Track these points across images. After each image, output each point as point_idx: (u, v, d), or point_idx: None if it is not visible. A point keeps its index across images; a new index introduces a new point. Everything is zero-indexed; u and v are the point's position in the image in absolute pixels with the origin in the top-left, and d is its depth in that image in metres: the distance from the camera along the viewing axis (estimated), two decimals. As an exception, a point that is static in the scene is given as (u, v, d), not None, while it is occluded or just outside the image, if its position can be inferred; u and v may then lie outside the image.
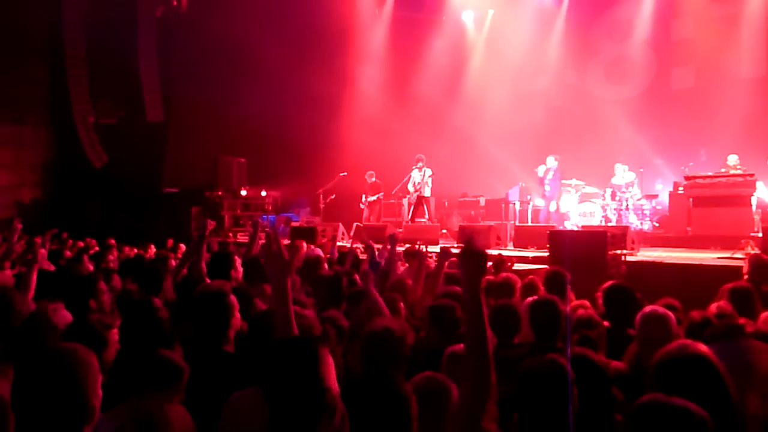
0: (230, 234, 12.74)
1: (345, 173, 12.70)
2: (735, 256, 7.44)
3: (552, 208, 11.68)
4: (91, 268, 5.55)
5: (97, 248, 7.64)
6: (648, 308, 3.32)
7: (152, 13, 14.76)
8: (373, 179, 12.80)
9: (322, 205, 12.74)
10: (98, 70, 14.17)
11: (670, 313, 3.31)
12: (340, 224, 11.30)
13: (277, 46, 13.73)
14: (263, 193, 14.26)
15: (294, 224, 12.24)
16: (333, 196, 12.78)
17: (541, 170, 11.60)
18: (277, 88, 14.66)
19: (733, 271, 5.73)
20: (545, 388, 1.93)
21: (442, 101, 15.13)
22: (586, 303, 4.44)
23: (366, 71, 15.51)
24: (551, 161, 11.59)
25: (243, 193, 14.17)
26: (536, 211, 12.58)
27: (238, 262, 4.42)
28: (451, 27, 15.87)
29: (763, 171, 10.00)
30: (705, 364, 1.97)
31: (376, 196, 12.72)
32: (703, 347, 2.10)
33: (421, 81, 15.36)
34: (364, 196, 12.75)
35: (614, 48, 14.36)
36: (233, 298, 2.91)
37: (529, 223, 11.74)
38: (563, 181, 12.11)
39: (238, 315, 2.92)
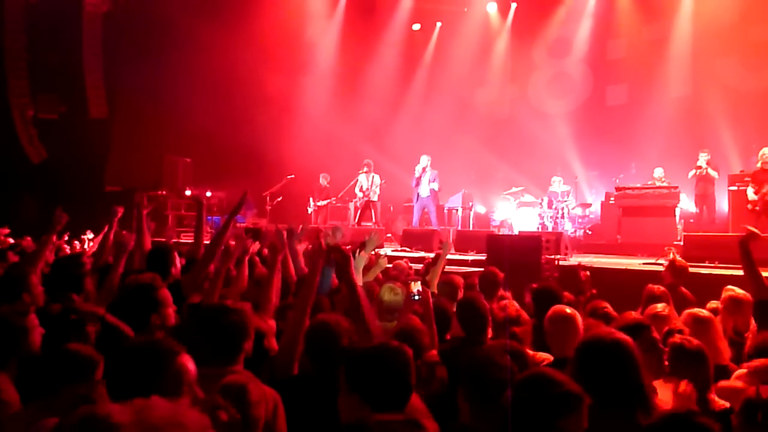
0: (174, 234, 12.58)
1: (292, 176, 12.79)
2: (659, 262, 7.99)
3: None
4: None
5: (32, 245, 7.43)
6: (554, 308, 3.60)
7: (98, 8, 14.46)
8: (326, 183, 12.97)
9: (268, 207, 12.78)
10: (40, 65, 13.77)
11: (575, 313, 3.61)
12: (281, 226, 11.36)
13: (227, 46, 13.70)
14: (208, 194, 14.13)
15: (240, 226, 12.21)
16: (280, 198, 12.85)
17: (418, 169, 11.65)
18: (225, 87, 14.60)
19: (656, 275, 6.18)
20: (488, 374, 2.19)
21: (389, 109, 15.47)
22: (514, 303, 4.78)
23: (315, 76, 15.66)
24: (425, 160, 11.65)
25: (188, 193, 14.02)
26: (478, 217, 13.04)
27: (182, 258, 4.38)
28: (400, 37, 16.25)
29: (686, 183, 10.74)
30: (620, 347, 2.17)
31: (327, 201, 12.89)
32: (620, 334, 2.31)
33: (370, 87, 15.66)
34: (311, 199, 12.90)
35: (554, 64, 15.07)
36: (164, 293, 2.88)
37: (471, 228, 12.15)
38: (504, 192, 12.61)
39: (170, 310, 2.89)
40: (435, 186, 11.64)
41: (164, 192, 13.66)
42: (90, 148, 14.04)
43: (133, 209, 4.39)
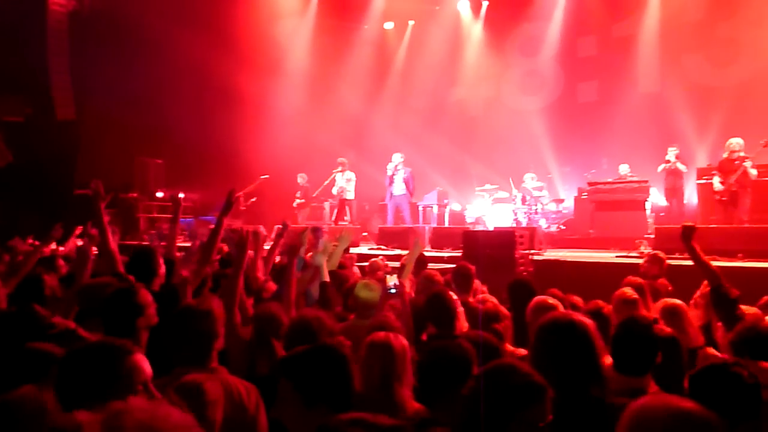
0: (145, 237, 12.39)
1: (267, 176, 12.69)
2: (631, 254, 8.14)
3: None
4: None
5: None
6: (536, 298, 3.65)
7: (64, 6, 14.14)
8: (305, 182, 12.94)
9: (243, 208, 12.66)
10: (3, 66, 13.41)
11: (558, 302, 3.68)
12: (261, 227, 11.28)
13: (199, 46, 13.53)
14: (181, 195, 13.94)
15: (211, 226, 12.07)
16: (254, 199, 12.74)
17: (390, 168, 11.67)
18: (197, 88, 14.42)
19: (629, 268, 6.28)
20: (448, 366, 2.20)
21: (364, 106, 15.47)
22: (492, 298, 4.82)
23: (288, 75, 15.57)
24: (397, 158, 11.67)
25: (159, 195, 13.81)
26: (453, 214, 13.10)
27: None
28: (373, 36, 16.25)
29: (656, 177, 10.93)
30: (575, 327, 2.23)
31: (304, 200, 12.87)
32: (578, 316, 2.38)
33: (343, 87, 15.64)
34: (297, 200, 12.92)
35: (526, 62, 15.21)
36: (145, 294, 2.84)
37: (446, 225, 12.20)
38: (477, 189, 12.69)
39: (152, 311, 2.83)
40: (408, 182, 11.65)
41: (135, 194, 13.44)
42: (58, 151, 13.73)
43: (92, 202, 4.17)
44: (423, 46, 15.90)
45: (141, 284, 3.12)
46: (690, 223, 4.01)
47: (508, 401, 1.69)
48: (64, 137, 13.96)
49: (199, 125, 14.25)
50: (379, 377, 2.42)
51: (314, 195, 12.83)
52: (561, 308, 3.51)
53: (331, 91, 15.51)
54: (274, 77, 15.32)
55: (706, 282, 4.25)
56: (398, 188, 11.67)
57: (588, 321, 2.31)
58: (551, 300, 3.50)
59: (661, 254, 5.90)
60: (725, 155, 8.92)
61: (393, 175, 11.63)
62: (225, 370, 2.55)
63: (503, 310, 4.07)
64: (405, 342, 2.60)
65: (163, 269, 4.08)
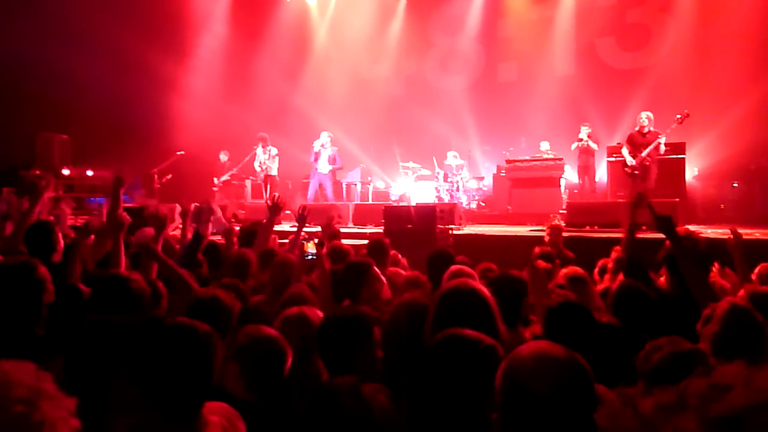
0: (51, 217, 11.62)
1: (182, 152, 12.18)
2: (543, 228, 8.41)
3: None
4: None
5: None
6: (453, 267, 3.68)
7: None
8: (227, 159, 12.54)
9: (157, 186, 12.10)
10: None
11: (473, 272, 3.72)
12: (177, 205, 10.84)
13: (109, 19, 12.74)
14: (89, 173, 13.17)
15: (127, 205, 11.49)
16: (169, 176, 12.18)
17: (316, 145, 11.54)
18: (107, 62, 13.57)
19: (541, 240, 6.50)
20: (344, 333, 2.16)
21: (285, 82, 15.13)
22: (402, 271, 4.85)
23: (205, 49, 14.96)
24: (325, 136, 11.56)
25: (65, 172, 12.96)
26: (377, 192, 13.09)
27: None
28: (295, 9, 15.86)
29: (570, 155, 11.35)
30: (475, 294, 2.28)
31: (223, 178, 12.47)
32: (477, 284, 2.44)
33: (263, 61, 15.21)
34: (215, 178, 12.47)
35: (448, 41, 15.33)
36: (43, 270, 2.64)
37: (370, 203, 12.19)
38: (402, 164, 12.73)
39: (51, 287, 2.65)
40: (337, 164, 11.55)
41: (38, 171, 12.54)
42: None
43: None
44: (346, 22, 15.67)
45: (37, 259, 2.88)
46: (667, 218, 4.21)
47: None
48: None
49: (111, 100, 13.43)
50: (298, 350, 2.37)
51: (233, 172, 12.46)
52: (476, 277, 3.54)
53: (251, 67, 15.05)
54: (190, 52, 14.69)
55: (617, 248, 4.53)
56: (323, 166, 11.52)
57: (482, 287, 2.38)
58: (468, 269, 3.53)
59: (560, 224, 6.30)
60: (637, 128, 9.32)
61: (319, 152, 11.46)
62: None
63: (422, 276, 4.11)
64: (320, 313, 2.57)
65: (61, 244, 3.91)
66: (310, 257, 4.00)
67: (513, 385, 1.32)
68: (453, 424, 1.58)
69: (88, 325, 1.91)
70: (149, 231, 4.70)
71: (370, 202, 12.35)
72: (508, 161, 11.51)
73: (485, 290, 2.35)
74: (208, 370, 1.62)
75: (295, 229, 9.21)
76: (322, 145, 11.46)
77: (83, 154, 13.46)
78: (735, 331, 2.22)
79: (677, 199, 8.38)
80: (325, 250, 4.57)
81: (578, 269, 3.94)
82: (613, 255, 4.60)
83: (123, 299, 2.41)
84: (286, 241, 6.47)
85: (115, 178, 4.50)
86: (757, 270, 4.17)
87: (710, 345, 2.21)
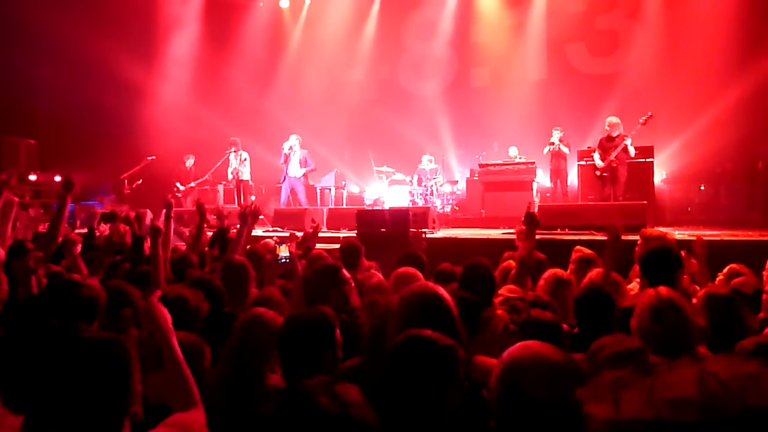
0: (17, 223, 11.33)
1: (153, 157, 12.01)
2: (514, 231, 8.47)
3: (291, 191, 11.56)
4: None
5: None
6: (398, 270, 3.66)
7: None
8: (191, 165, 12.34)
9: (127, 191, 11.91)
10: None
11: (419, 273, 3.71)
12: (148, 211, 10.68)
13: (75, 21, 12.52)
14: (57, 179, 12.90)
15: (98, 212, 11.29)
16: (140, 182, 12.01)
17: (285, 147, 11.42)
18: (76, 66, 13.35)
19: (512, 243, 6.55)
20: (306, 334, 2.14)
21: (257, 86, 15.04)
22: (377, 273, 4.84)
23: (176, 52, 14.80)
24: (293, 139, 11.47)
25: (32, 177, 12.69)
26: (351, 196, 13.06)
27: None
28: (267, 13, 15.78)
29: (542, 159, 11.47)
30: (436, 298, 2.29)
31: (195, 183, 12.28)
32: (439, 288, 2.42)
33: (236, 65, 15.12)
34: (178, 183, 12.25)
35: (421, 46, 15.39)
36: None
37: (344, 207, 12.15)
38: (376, 168, 12.73)
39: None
40: (309, 166, 11.48)
41: (3, 177, 12.23)
42: None
43: None
44: (320, 26, 15.65)
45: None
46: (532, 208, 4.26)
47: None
48: None
49: (79, 105, 13.20)
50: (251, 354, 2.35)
51: (206, 177, 12.31)
52: (422, 279, 3.52)
53: (223, 71, 14.93)
54: (161, 56, 14.53)
55: (576, 252, 4.58)
56: (294, 170, 11.45)
57: (445, 292, 2.39)
58: (410, 270, 3.53)
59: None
60: (605, 133, 9.48)
61: (289, 155, 11.39)
62: None
63: (386, 283, 4.08)
64: (280, 319, 2.54)
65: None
66: (283, 260, 3.96)
67: (511, 390, 1.37)
68: (414, 420, 1.62)
69: None
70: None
71: (344, 206, 12.32)
72: (481, 165, 11.59)
73: (445, 293, 2.38)
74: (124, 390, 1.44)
75: (269, 233, 9.16)
76: (290, 148, 11.38)
77: (51, 160, 13.21)
78: (660, 326, 2.20)
79: (645, 202, 8.50)
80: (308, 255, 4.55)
81: (560, 271, 3.98)
82: (574, 255, 4.62)
83: (73, 306, 2.34)
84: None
85: (64, 180, 4.32)
86: (725, 270, 4.24)
87: (642, 341, 2.17)
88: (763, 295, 3.05)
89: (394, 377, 1.70)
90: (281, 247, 4.04)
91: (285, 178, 11.54)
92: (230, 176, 12.00)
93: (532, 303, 3.27)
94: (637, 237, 4.66)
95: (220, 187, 12.93)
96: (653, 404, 0.56)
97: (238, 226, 4.52)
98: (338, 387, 1.39)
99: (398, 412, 1.63)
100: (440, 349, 1.71)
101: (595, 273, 4.05)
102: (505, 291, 3.56)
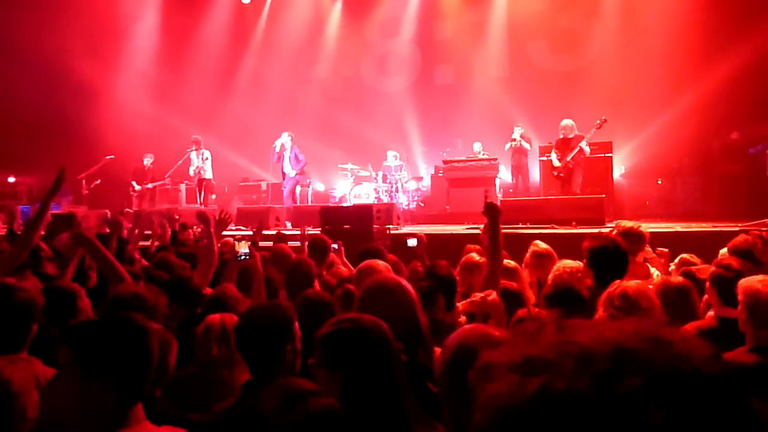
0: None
1: (112, 156, 11.73)
2: (478, 226, 8.54)
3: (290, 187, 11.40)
4: None
5: None
6: (363, 263, 3.67)
7: None
8: (150, 164, 12.06)
9: (85, 192, 11.60)
10: None
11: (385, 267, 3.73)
12: (108, 212, 10.43)
13: (28, 20, 12.18)
14: (11, 179, 12.52)
15: (54, 212, 10.95)
16: (98, 182, 11.71)
17: (277, 145, 11.34)
18: (29, 65, 12.99)
19: (474, 237, 6.61)
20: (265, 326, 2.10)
21: (218, 84, 14.83)
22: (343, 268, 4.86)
23: (135, 52, 14.50)
24: (285, 136, 11.36)
25: (-15, 178, 12.28)
26: (317, 194, 12.99)
27: None
28: (229, 10, 15.57)
29: (504, 156, 11.59)
30: (397, 288, 2.32)
31: (155, 183, 12.01)
32: (401, 279, 2.47)
33: (195, 63, 14.87)
34: (134, 182, 11.95)
35: (385, 43, 15.39)
36: None
37: (309, 204, 12.08)
38: (340, 165, 12.69)
39: None
40: (300, 162, 11.28)
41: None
42: None
43: None
44: (282, 23, 15.50)
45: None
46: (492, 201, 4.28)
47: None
48: None
49: (33, 104, 12.82)
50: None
51: (167, 176, 12.07)
52: (388, 272, 3.53)
53: (183, 69, 14.67)
54: (118, 54, 14.21)
55: (532, 246, 4.66)
56: (287, 169, 11.27)
57: (405, 282, 2.43)
58: (380, 262, 3.55)
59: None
60: (561, 135, 9.64)
61: (281, 153, 11.18)
62: (38, 360, 2.29)
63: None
64: (235, 318, 2.52)
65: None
66: (242, 257, 3.95)
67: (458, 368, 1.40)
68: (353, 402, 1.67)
69: None
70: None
71: (310, 204, 12.25)
72: (446, 162, 11.66)
73: (406, 283, 2.41)
74: None
75: (233, 232, 9.04)
76: (282, 145, 11.22)
77: (5, 160, 12.79)
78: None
79: (604, 196, 8.67)
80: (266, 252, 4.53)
81: (509, 261, 4.08)
82: (530, 249, 4.72)
83: (5, 311, 2.26)
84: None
85: (55, 179, 4.00)
86: (677, 260, 4.37)
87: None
88: (706, 283, 3.18)
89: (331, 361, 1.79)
90: (240, 243, 4.01)
91: (285, 178, 11.37)
92: (192, 174, 11.78)
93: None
94: (596, 229, 4.79)
95: (182, 186, 12.72)
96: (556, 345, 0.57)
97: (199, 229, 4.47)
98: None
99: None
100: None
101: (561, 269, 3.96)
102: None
